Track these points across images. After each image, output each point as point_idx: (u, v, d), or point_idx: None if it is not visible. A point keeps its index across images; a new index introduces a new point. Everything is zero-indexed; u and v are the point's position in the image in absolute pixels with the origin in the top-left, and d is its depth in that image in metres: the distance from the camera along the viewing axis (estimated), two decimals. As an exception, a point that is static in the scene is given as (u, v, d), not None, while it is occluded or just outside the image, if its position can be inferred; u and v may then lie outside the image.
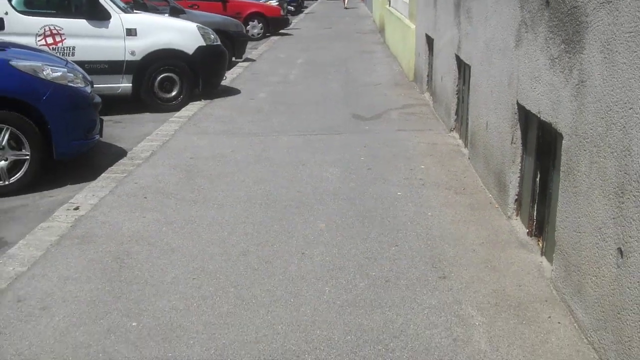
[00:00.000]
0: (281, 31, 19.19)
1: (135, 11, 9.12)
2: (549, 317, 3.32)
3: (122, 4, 8.75)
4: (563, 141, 3.44)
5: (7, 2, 7.91)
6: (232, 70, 11.61)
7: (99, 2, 8.18)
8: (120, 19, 8.27)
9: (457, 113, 6.83)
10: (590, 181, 3.05)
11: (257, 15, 17.82)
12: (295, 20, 24.29)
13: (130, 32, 8.35)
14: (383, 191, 5.22)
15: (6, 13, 7.89)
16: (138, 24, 8.41)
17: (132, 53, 8.39)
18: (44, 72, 5.66)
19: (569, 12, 3.32)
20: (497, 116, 4.84)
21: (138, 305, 3.51)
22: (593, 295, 3.00)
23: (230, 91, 9.80)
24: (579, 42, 3.18)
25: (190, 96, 9.07)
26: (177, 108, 8.79)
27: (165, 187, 5.41)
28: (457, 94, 6.80)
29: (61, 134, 5.71)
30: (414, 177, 5.57)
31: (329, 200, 5.04)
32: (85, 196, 5.27)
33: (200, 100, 9.09)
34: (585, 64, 3.10)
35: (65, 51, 8.03)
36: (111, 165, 6.10)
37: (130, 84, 8.54)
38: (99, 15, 8.19)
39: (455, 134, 6.85)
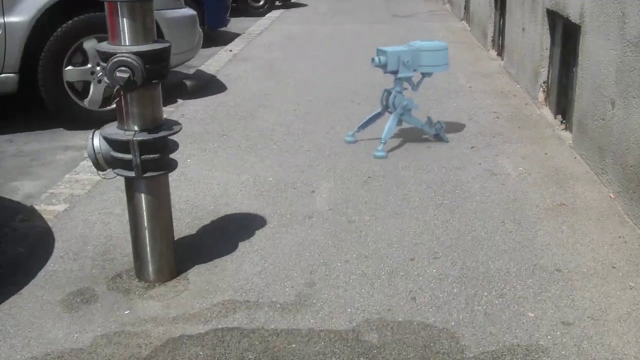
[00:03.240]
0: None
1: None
2: (499, 78, 6.70)
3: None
4: (509, -9, 6.77)
5: None
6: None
7: None
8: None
9: (465, 8, 10.13)
10: (519, 2, 6.38)
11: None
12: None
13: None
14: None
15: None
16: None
17: (234, -29, 11.71)
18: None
19: None
20: (484, -6, 8.18)
21: (289, 77, 6.91)
22: (516, 58, 6.34)
23: (300, 5, 13.13)
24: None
25: (272, 6, 12.41)
26: (263, 14, 12.14)
27: (279, 44, 8.81)
28: (465, -6, 10.10)
29: (211, 13, 9.12)
30: (435, 37, 8.91)
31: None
32: (231, 47, 8.68)
33: (279, 9, 12.43)
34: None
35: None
36: (238, 37, 9.50)
37: (232, -6, 11.88)
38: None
39: (464, 22, 10.15)
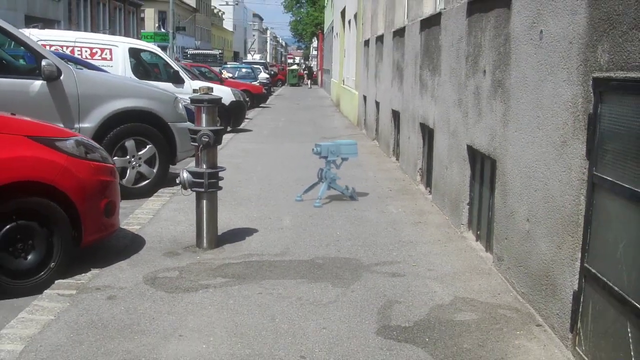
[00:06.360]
0: (261, 105, 25.94)
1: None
2: (395, 171, 9.90)
3: (189, 75, 15.32)
4: (400, 116, 10.12)
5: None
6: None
7: (180, 74, 14.72)
8: (190, 84, 14.81)
9: (376, 130, 13.54)
10: (406, 120, 9.68)
11: (246, 91, 24.50)
12: (268, 100, 31.13)
13: (195, 91, 14.89)
14: (338, 153, 11.83)
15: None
16: (199, 85, 14.99)
17: (196, 103, 14.91)
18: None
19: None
20: (385, 117, 11.55)
21: (252, 172, 9.89)
22: (405, 157, 9.56)
23: (246, 130, 16.38)
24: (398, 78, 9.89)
25: (224, 130, 15.61)
26: (218, 136, 15.29)
27: (239, 155, 11.88)
28: (376, 120, 13.53)
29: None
30: (353, 151, 12.18)
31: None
32: (202, 156, 11.69)
33: (231, 133, 15.64)
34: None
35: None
36: (204, 150, 12.54)
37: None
38: (179, 81, 14.70)
39: (375, 141, 13.52)
